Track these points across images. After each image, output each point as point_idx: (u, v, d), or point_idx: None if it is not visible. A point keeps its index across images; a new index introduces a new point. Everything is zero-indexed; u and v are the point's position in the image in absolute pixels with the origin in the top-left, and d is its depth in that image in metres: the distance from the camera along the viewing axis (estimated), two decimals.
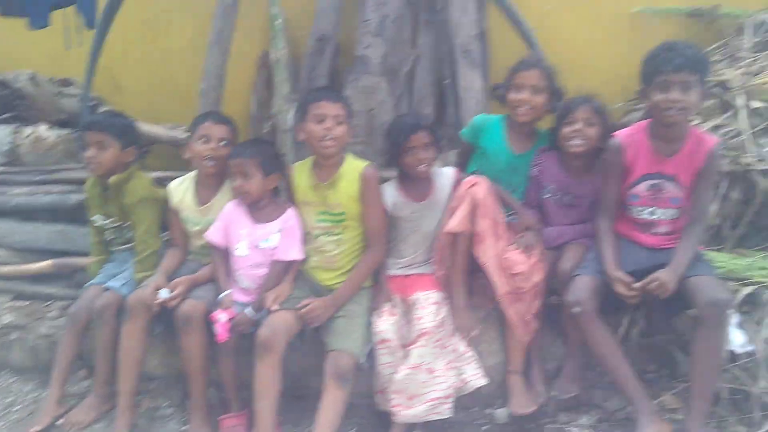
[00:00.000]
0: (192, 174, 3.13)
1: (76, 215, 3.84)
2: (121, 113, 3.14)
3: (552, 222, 3.11)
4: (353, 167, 2.86)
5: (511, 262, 2.83)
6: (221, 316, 2.68)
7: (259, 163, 2.79)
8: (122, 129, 3.07)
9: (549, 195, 3.07)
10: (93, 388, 2.95)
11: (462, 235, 2.79)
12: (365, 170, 2.85)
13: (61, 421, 2.83)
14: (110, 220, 3.11)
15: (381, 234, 2.91)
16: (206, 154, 2.95)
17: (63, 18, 3.53)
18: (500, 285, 2.79)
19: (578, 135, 2.92)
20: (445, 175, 3.03)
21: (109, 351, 2.86)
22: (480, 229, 2.78)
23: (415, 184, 2.98)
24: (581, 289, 2.70)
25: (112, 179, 3.00)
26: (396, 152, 2.89)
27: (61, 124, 4.56)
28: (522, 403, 2.83)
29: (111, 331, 2.85)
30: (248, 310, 2.78)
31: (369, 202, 2.86)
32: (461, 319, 2.85)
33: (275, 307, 2.73)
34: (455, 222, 2.78)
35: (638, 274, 2.71)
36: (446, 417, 2.71)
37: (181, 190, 3.09)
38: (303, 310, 2.71)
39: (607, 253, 2.79)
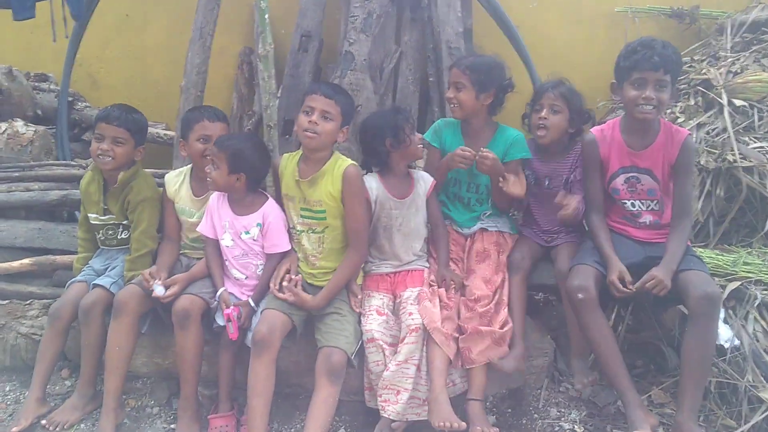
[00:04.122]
0: (189, 166, 3.09)
1: (54, 212, 3.78)
2: (135, 109, 3.06)
3: (537, 207, 3.14)
4: (337, 165, 2.81)
5: (468, 290, 2.87)
6: (235, 314, 2.66)
7: (226, 157, 2.75)
8: (139, 126, 3.02)
9: (530, 181, 3.08)
10: (77, 387, 2.87)
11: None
12: (348, 169, 2.79)
13: (44, 421, 2.76)
14: (107, 217, 3.03)
15: (363, 234, 2.85)
16: (207, 154, 2.90)
17: (50, 9, 3.43)
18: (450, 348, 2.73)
19: (543, 123, 2.95)
20: (424, 178, 3.02)
21: (95, 349, 2.80)
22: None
23: (398, 181, 2.97)
24: (585, 276, 2.71)
25: (121, 176, 2.94)
26: (400, 142, 2.85)
27: (37, 120, 4.48)
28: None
29: (98, 329, 2.78)
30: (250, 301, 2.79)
31: (351, 201, 2.79)
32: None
33: (279, 294, 2.73)
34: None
35: (630, 268, 2.73)
36: (423, 419, 2.70)
37: (177, 181, 3.05)
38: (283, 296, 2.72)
39: (605, 246, 2.80)
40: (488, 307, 2.79)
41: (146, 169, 3.59)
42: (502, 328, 2.78)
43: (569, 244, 3.02)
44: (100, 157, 2.91)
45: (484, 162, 2.87)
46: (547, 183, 3.07)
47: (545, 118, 2.94)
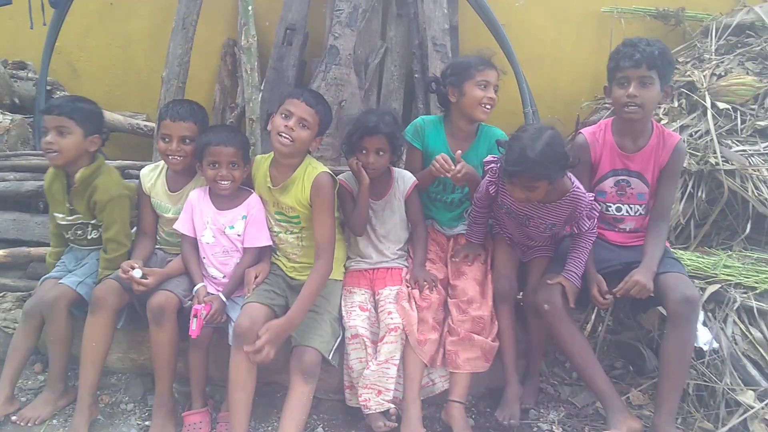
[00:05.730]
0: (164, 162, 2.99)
1: (30, 203, 3.70)
2: (85, 98, 2.94)
3: (505, 229, 2.99)
4: (308, 172, 2.74)
5: (459, 290, 2.84)
6: (203, 312, 2.60)
7: (242, 155, 2.74)
8: (86, 114, 2.81)
9: (504, 210, 2.89)
10: (47, 382, 2.82)
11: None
12: (318, 177, 2.69)
13: (14, 417, 2.70)
14: (74, 217, 2.90)
15: (330, 243, 2.71)
16: (168, 153, 2.81)
17: None
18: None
19: (514, 203, 2.68)
20: (404, 178, 2.97)
21: (62, 345, 2.74)
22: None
23: (374, 182, 2.89)
24: (550, 287, 2.70)
25: (79, 174, 2.78)
26: (350, 146, 2.85)
27: (14, 108, 4.40)
28: None
29: (62, 324, 2.72)
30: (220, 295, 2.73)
31: (320, 210, 2.69)
32: None
33: (259, 281, 2.71)
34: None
35: (606, 273, 2.74)
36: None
37: (153, 176, 2.95)
38: (258, 343, 2.50)
39: (587, 261, 2.77)
40: (480, 312, 2.76)
41: (126, 161, 3.57)
42: (494, 341, 2.78)
43: (542, 259, 2.94)
44: (48, 152, 2.75)
45: (456, 178, 2.78)
46: (524, 220, 2.83)
47: (517, 200, 2.64)
